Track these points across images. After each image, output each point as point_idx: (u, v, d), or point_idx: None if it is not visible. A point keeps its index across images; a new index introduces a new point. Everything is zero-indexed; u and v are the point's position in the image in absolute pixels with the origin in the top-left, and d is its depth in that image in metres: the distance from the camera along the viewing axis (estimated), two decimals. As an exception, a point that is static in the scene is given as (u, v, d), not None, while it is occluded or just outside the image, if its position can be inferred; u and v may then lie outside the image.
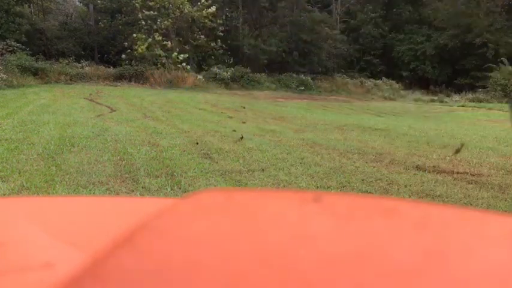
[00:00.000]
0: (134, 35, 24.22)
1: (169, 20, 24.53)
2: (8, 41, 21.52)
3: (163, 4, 24.40)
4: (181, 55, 24.62)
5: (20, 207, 0.84)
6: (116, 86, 22.12)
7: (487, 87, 25.61)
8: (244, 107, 13.87)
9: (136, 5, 24.31)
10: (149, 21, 24.43)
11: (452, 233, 0.37)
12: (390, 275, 0.31)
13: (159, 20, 24.28)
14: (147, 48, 24.19)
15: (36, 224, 0.68)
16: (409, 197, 4.20)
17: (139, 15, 24.11)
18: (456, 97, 26.07)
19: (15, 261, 0.53)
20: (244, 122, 9.85)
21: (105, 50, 28.11)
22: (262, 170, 5.11)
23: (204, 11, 25.29)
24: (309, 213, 0.41)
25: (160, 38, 24.51)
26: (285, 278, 0.30)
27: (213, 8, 25.27)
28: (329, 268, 0.31)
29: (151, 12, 24.08)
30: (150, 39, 24.19)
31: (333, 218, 0.40)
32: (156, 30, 24.50)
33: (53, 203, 0.90)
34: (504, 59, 24.81)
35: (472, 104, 21.64)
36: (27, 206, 0.86)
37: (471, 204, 4.00)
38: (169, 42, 24.65)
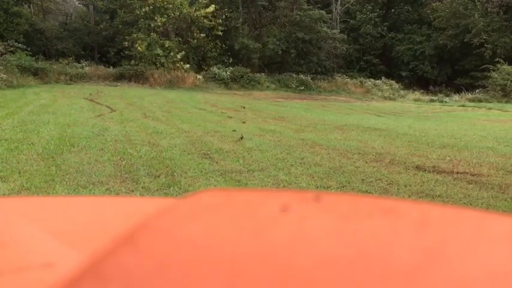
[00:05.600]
0: (134, 35, 24.24)
1: (165, 16, 24.51)
2: (9, 41, 21.55)
3: (161, 4, 24.40)
4: (180, 54, 24.64)
5: (20, 207, 0.84)
6: (116, 86, 22.12)
7: (487, 87, 25.63)
8: (244, 107, 13.87)
9: (133, 4, 24.37)
10: (147, 20, 24.44)
11: (452, 233, 0.37)
12: (390, 275, 0.31)
13: (156, 17, 24.27)
14: (146, 47, 24.20)
15: (36, 224, 0.68)
16: (409, 197, 4.20)
17: (138, 12, 24.13)
18: (456, 97, 26.08)
19: (15, 261, 0.53)
20: (244, 122, 9.85)
21: (105, 50, 28.12)
22: (262, 170, 5.11)
23: (202, 11, 25.29)
24: (309, 213, 0.41)
25: (157, 37, 24.51)
26: (285, 278, 0.30)
27: (211, 8, 25.27)
28: (329, 268, 0.31)
29: (147, 7, 24.08)
30: (148, 39, 24.22)
31: (333, 218, 0.40)
32: (154, 29, 24.50)
33: (53, 203, 0.90)
34: (500, 60, 24.85)
35: (472, 104, 21.63)
36: (27, 206, 0.85)
37: (471, 204, 4.00)
38: (167, 41, 24.66)
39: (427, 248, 0.33)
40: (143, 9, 24.06)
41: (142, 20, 24.35)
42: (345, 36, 31.91)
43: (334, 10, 33.75)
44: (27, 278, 0.48)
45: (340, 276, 0.30)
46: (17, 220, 0.72)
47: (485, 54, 27.61)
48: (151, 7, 24.11)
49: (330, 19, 32.33)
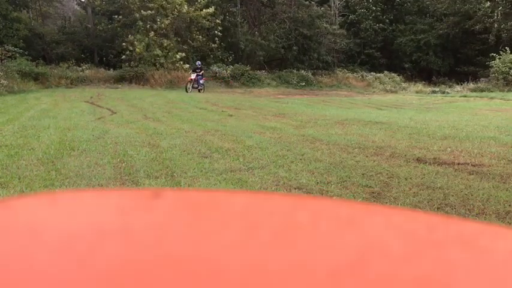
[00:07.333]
0: (131, 36, 24.23)
1: (169, 19, 24.53)
2: (6, 46, 21.62)
3: (161, 4, 24.39)
4: (179, 53, 24.63)
5: (19, 206, 0.83)
6: (117, 88, 22.16)
7: (489, 76, 25.52)
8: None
9: (132, 5, 24.33)
10: (148, 22, 24.41)
11: (450, 245, 0.36)
12: (383, 285, 0.30)
13: (158, 19, 24.28)
14: (146, 48, 24.19)
15: (35, 222, 0.68)
16: (410, 189, 4.18)
17: (137, 15, 24.11)
18: (458, 87, 25.99)
19: (14, 260, 0.53)
20: (244, 120, 9.84)
21: (104, 53, 28.16)
22: (262, 167, 5.10)
23: (202, 11, 25.26)
24: (305, 217, 0.40)
25: (156, 37, 24.49)
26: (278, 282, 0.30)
27: (211, 9, 25.25)
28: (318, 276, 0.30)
29: (150, 11, 24.08)
30: (147, 39, 24.22)
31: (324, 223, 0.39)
32: (155, 30, 24.48)
33: (50, 200, 0.89)
34: (505, 48, 24.67)
35: (474, 93, 21.54)
36: (26, 204, 0.85)
37: (472, 195, 3.98)
38: (166, 41, 24.64)
39: (424, 258, 0.33)
40: (144, 13, 24.03)
41: (140, 21, 24.34)
42: (344, 32, 31.82)
43: (333, 4, 33.65)
44: (26, 277, 0.48)
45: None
46: (16, 219, 0.72)
47: (489, 40, 27.38)
48: (152, 11, 24.10)
49: (329, 13, 32.24)
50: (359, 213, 0.42)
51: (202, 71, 21.42)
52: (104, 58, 27.91)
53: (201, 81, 20.83)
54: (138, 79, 23.60)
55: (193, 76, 20.73)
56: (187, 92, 20.06)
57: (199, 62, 22.22)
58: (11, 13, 23.66)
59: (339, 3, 34.00)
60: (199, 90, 20.66)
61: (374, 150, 6.07)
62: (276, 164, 5.26)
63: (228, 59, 27.32)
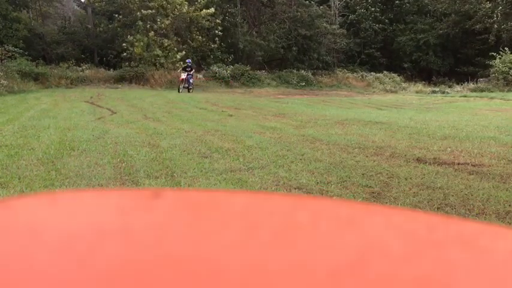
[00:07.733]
0: (130, 36, 24.21)
1: (169, 19, 24.53)
2: (6, 46, 21.62)
3: (161, 4, 24.40)
4: (179, 54, 24.64)
5: (19, 206, 0.83)
6: (117, 88, 22.17)
7: (489, 76, 25.51)
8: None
9: (131, 5, 24.31)
10: (148, 22, 24.40)
11: (450, 245, 0.36)
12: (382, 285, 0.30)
13: (158, 19, 24.28)
14: (146, 48, 24.18)
15: (35, 222, 0.68)
16: (410, 189, 4.18)
17: (138, 14, 24.09)
18: (458, 87, 25.99)
19: (14, 260, 0.53)
20: (244, 120, 9.84)
21: (104, 53, 28.15)
22: (262, 167, 5.10)
23: (202, 12, 25.26)
24: (304, 217, 0.40)
25: (156, 37, 24.48)
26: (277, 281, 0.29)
27: (211, 9, 25.26)
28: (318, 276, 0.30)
29: (150, 11, 24.06)
30: (146, 39, 24.21)
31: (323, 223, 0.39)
32: (155, 30, 24.48)
33: (50, 200, 0.89)
34: (505, 48, 24.66)
35: (474, 94, 21.54)
36: (26, 204, 0.85)
37: (472, 195, 3.98)
38: (167, 41, 24.64)
39: (426, 257, 0.33)
40: (145, 12, 24.00)
41: (140, 21, 24.34)
42: (345, 31, 31.80)
43: (332, 4, 33.65)
44: (27, 277, 0.48)
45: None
46: (16, 219, 0.73)
47: (489, 40, 27.36)
48: (153, 10, 24.07)
49: (329, 13, 32.24)
50: (359, 213, 0.42)
51: (193, 70, 21.15)
52: (104, 58, 27.88)
53: (190, 81, 20.56)
54: (138, 79, 23.61)
55: (183, 76, 20.49)
56: (179, 92, 19.90)
57: (190, 60, 21.86)
58: (10, 13, 23.68)
59: (339, 3, 34.00)
60: (188, 90, 20.37)
61: (374, 150, 6.07)
62: (276, 164, 5.26)
63: (228, 59, 27.31)
